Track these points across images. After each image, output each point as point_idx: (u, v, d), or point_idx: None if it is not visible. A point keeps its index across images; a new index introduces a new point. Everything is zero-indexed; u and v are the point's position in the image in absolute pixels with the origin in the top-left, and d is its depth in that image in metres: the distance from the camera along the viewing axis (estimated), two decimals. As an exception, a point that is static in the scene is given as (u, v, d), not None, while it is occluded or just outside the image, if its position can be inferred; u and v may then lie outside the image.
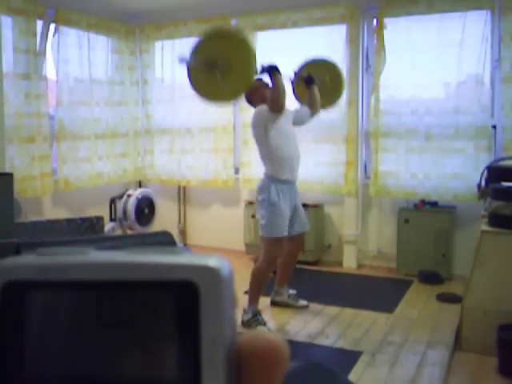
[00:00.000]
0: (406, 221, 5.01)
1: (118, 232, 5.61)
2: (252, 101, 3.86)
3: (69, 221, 3.65)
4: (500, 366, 3.10)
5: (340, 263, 5.41)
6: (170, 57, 6.07)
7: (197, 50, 3.36)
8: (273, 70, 3.58)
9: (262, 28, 5.54)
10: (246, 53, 3.28)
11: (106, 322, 0.27)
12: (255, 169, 5.21)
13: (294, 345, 3.38)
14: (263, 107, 3.65)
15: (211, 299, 0.27)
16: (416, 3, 4.88)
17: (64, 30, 5.31)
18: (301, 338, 3.66)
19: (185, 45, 5.90)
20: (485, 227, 3.50)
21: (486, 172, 4.15)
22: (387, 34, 5.03)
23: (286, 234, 3.74)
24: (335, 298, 4.39)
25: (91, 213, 4.58)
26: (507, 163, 4.09)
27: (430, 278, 4.80)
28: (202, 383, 0.27)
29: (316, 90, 3.97)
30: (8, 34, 4.77)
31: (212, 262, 0.28)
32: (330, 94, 4.24)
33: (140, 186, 6.27)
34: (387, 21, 5.02)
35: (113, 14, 5.83)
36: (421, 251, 4.93)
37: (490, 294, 3.37)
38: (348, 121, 5.21)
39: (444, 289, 4.60)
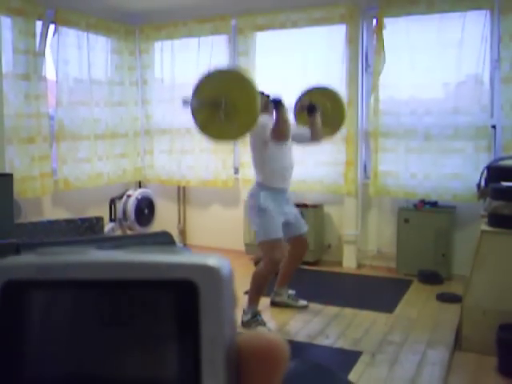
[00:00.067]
0: (406, 221, 5.01)
1: (118, 232, 5.61)
2: None
3: (68, 221, 3.65)
4: (500, 366, 3.10)
5: (340, 263, 5.41)
6: (170, 57, 6.08)
7: (199, 91, 3.36)
8: (277, 103, 3.55)
9: (261, 28, 5.55)
10: (249, 91, 3.24)
11: (106, 321, 0.27)
12: (255, 169, 5.21)
13: (293, 345, 3.38)
14: (268, 123, 3.59)
15: (211, 298, 0.27)
16: (415, 3, 4.88)
17: (63, 30, 5.31)
18: (301, 338, 3.66)
19: (184, 45, 5.95)
20: (484, 227, 3.50)
21: (485, 172, 4.15)
22: (387, 34, 5.03)
23: (281, 235, 3.73)
24: (335, 298, 4.39)
25: (91, 213, 4.58)
26: (507, 163, 4.09)
27: (430, 277, 4.80)
28: (202, 383, 0.27)
29: (318, 119, 3.95)
30: (7, 35, 4.77)
31: (212, 261, 0.28)
32: (332, 123, 4.24)
33: (140, 187, 6.27)
34: (387, 21, 5.03)
35: (112, 15, 5.83)
36: (420, 251, 4.93)
37: (490, 294, 3.37)
38: (348, 121, 5.20)
39: (444, 289, 4.60)
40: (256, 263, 4.67)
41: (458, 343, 3.48)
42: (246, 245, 5.60)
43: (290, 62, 5.47)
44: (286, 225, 3.83)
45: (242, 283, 4.09)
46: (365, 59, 5.29)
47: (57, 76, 5.33)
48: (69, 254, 0.28)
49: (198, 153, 6.00)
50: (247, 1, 5.58)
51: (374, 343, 3.54)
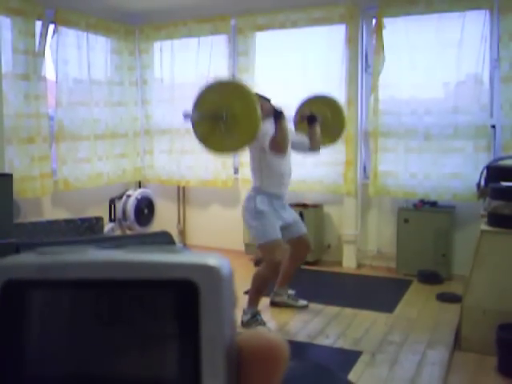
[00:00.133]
0: (406, 220, 5.01)
1: (118, 232, 5.61)
2: None
3: (68, 221, 3.65)
4: (499, 366, 3.10)
5: (340, 263, 5.41)
6: (170, 57, 6.08)
7: (199, 104, 3.36)
8: (278, 116, 3.53)
9: (261, 28, 5.54)
10: (249, 103, 3.23)
11: (106, 320, 0.27)
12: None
13: (293, 345, 3.38)
14: (269, 131, 3.56)
15: (211, 298, 0.27)
16: (415, 3, 4.88)
17: (63, 30, 5.30)
18: (301, 337, 3.66)
19: (184, 45, 5.95)
20: (484, 227, 3.50)
21: (485, 171, 4.15)
22: (386, 33, 5.03)
23: (279, 236, 3.73)
24: (335, 298, 4.39)
25: (91, 213, 4.58)
26: (506, 163, 4.09)
27: (430, 277, 4.80)
28: (202, 382, 0.27)
29: (318, 129, 3.95)
30: (7, 35, 4.76)
31: (211, 260, 0.27)
32: (332, 132, 4.24)
33: (139, 187, 6.27)
34: (386, 21, 5.03)
35: (112, 15, 5.83)
36: (420, 251, 4.93)
37: (490, 294, 3.37)
38: (347, 121, 5.20)
39: (444, 288, 4.60)
40: (256, 263, 4.67)
41: (457, 343, 3.48)
42: (246, 245, 5.60)
43: (290, 61, 5.47)
44: (285, 228, 3.83)
45: (241, 283, 4.09)
46: (364, 59, 5.29)
47: (56, 76, 5.33)
48: (69, 254, 0.28)
49: (197, 153, 5.98)
50: (247, 1, 5.58)
51: (373, 343, 3.54)
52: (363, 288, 4.90)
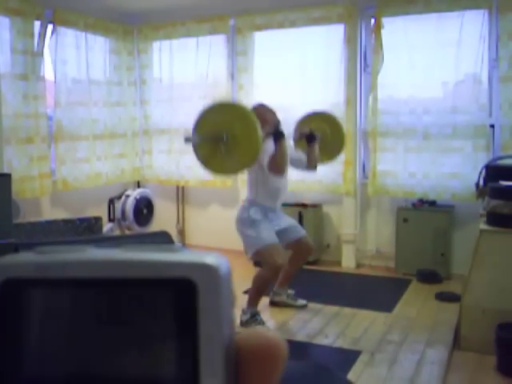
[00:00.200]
0: (405, 220, 5.01)
1: (117, 232, 5.60)
2: None
3: (67, 221, 3.64)
4: (499, 365, 3.10)
5: (339, 263, 5.41)
6: (168, 57, 6.07)
7: (199, 126, 3.35)
8: (278, 136, 3.52)
9: (259, 28, 5.54)
10: (249, 124, 3.21)
11: (104, 319, 0.27)
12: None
13: (292, 344, 3.38)
14: (268, 148, 3.53)
15: (209, 297, 0.27)
16: (413, 3, 4.88)
17: (62, 30, 5.30)
18: (300, 337, 3.66)
19: (183, 45, 5.94)
20: (483, 226, 3.50)
21: (484, 171, 4.15)
22: (385, 33, 5.03)
23: (276, 240, 3.72)
24: (334, 298, 4.39)
25: (90, 213, 4.58)
26: (505, 162, 4.10)
27: (429, 277, 4.80)
28: (200, 381, 0.27)
29: (316, 148, 3.95)
30: (6, 35, 4.76)
31: (210, 259, 0.27)
32: (331, 149, 4.25)
33: (138, 187, 6.27)
34: (385, 20, 5.03)
35: (110, 15, 5.83)
36: (419, 250, 4.93)
37: (489, 293, 3.37)
38: (346, 120, 5.20)
39: (443, 288, 4.60)
40: (255, 263, 4.67)
41: (456, 342, 3.48)
42: (245, 244, 5.59)
43: (289, 61, 5.47)
44: (281, 232, 3.83)
45: (240, 282, 4.10)
46: (363, 59, 5.29)
47: (55, 76, 5.32)
48: (67, 253, 0.28)
49: (196, 153, 5.98)
50: (245, 0, 5.58)
51: (373, 343, 3.54)
52: (362, 287, 4.90)
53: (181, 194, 6.28)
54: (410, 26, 4.95)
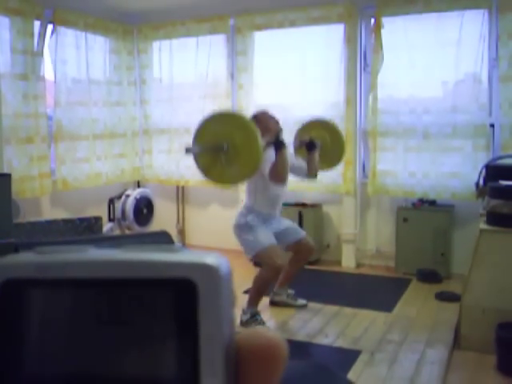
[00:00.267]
0: (405, 220, 5.01)
1: (117, 232, 5.60)
2: None
3: (67, 221, 3.64)
4: (499, 364, 3.10)
5: (339, 262, 5.41)
6: (168, 57, 6.07)
7: (199, 136, 3.35)
8: (279, 146, 3.52)
9: (259, 28, 5.54)
10: (249, 133, 3.20)
11: (105, 319, 0.27)
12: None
13: (293, 344, 3.38)
14: (270, 158, 3.53)
15: (209, 297, 0.27)
16: (413, 2, 4.88)
17: (62, 30, 5.30)
18: (300, 337, 3.66)
19: (183, 45, 5.94)
20: (483, 226, 3.50)
21: (484, 170, 4.15)
22: (385, 33, 5.03)
23: (275, 242, 3.73)
24: (334, 298, 4.40)
25: (90, 213, 4.58)
26: (505, 162, 4.10)
27: (429, 276, 4.81)
28: (201, 381, 0.27)
29: (316, 156, 3.95)
30: (5, 35, 4.76)
31: (210, 259, 0.27)
32: (331, 156, 4.25)
33: (138, 186, 6.27)
34: (385, 20, 5.03)
35: (110, 14, 5.83)
36: (419, 250, 4.93)
37: (489, 293, 3.37)
38: (346, 120, 5.21)
39: (443, 287, 4.60)
40: (255, 263, 4.66)
41: (456, 342, 3.48)
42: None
43: (289, 61, 5.47)
44: (279, 234, 3.83)
45: (240, 282, 4.10)
46: (363, 58, 5.29)
47: (55, 76, 5.32)
48: (67, 253, 0.28)
49: (196, 152, 5.99)
50: (245, 0, 5.58)
51: (373, 342, 3.54)
52: (362, 287, 4.90)
53: (181, 194, 6.28)
54: (410, 26, 4.95)
